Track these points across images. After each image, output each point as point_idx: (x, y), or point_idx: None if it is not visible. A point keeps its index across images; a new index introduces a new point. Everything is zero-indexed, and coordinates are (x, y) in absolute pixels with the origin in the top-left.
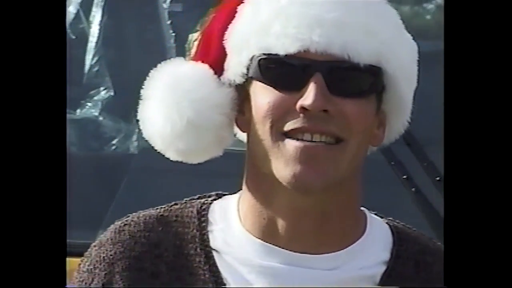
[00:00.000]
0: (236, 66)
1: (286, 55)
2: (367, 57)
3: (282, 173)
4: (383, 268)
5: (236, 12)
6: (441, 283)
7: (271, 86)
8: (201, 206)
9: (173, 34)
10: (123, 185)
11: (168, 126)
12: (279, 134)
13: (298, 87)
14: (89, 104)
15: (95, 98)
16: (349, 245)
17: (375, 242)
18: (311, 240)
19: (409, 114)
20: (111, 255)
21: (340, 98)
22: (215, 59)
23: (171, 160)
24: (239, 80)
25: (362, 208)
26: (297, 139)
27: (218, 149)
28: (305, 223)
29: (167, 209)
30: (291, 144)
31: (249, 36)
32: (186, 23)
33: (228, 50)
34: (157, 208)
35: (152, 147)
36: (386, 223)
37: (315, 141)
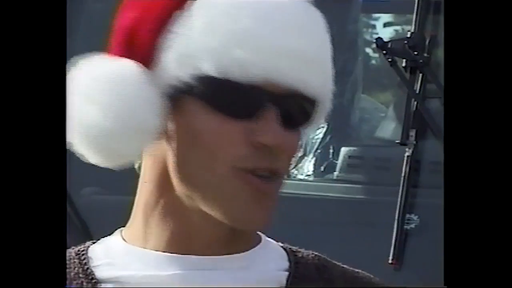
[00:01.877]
0: (177, 78)
1: (245, 83)
2: (317, 89)
3: (228, 210)
4: (286, 273)
5: (170, 14)
6: (345, 282)
7: (219, 110)
8: (78, 249)
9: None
10: None
11: (97, 127)
12: (229, 168)
13: (250, 118)
14: None
15: None
16: (248, 250)
17: (273, 251)
18: (226, 245)
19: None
20: None
21: (287, 132)
22: (143, 57)
23: None
24: (176, 93)
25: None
26: (252, 175)
27: (137, 155)
28: (220, 232)
29: None
30: (244, 181)
31: (202, 53)
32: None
33: (167, 56)
34: None
35: None
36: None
37: (267, 178)
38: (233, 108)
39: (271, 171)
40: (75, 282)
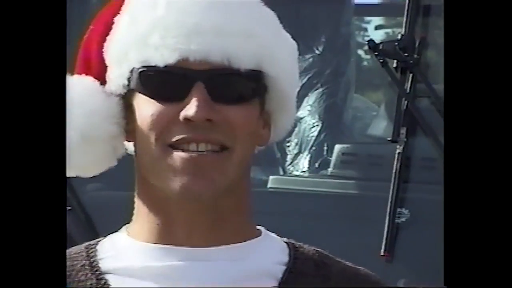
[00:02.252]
0: (117, 78)
1: (165, 66)
2: (247, 62)
3: (171, 185)
4: (283, 268)
5: (113, 23)
6: (342, 280)
7: (153, 98)
8: (89, 244)
9: None
10: None
11: (69, 141)
12: (165, 146)
13: (180, 98)
14: None
15: None
16: (244, 241)
17: (272, 245)
18: (208, 235)
19: (295, 111)
20: None
21: (223, 106)
22: (97, 71)
23: None
24: (122, 91)
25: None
26: (183, 150)
27: (113, 159)
28: (200, 222)
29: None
30: (177, 156)
31: (128, 48)
32: None
33: (108, 63)
34: None
35: None
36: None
37: (201, 151)
38: (164, 93)
39: (208, 142)
40: (80, 273)
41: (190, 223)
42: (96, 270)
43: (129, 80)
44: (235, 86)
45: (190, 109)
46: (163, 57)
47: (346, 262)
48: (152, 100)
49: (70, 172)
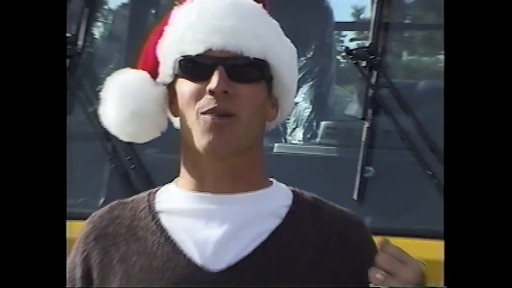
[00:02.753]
0: (165, 69)
1: (196, 55)
2: (255, 53)
3: (200, 143)
4: (286, 209)
5: (164, 31)
6: (332, 222)
7: (188, 79)
8: (150, 191)
9: None
10: None
11: (118, 117)
12: (198, 114)
13: (207, 77)
14: None
15: None
16: (258, 190)
17: (280, 192)
18: (230, 186)
19: (294, 99)
20: (85, 233)
21: (237, 83)
22: (151, 67)
23: None
24: (169, 79)
25: (270, 178)
26: (209, 116)
27: (157, 132)
28: (223, 176)
29: (126, 199)
30: (204, 120)
31: (172, 45)
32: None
33: (160, 59)
34: None
35: None
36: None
37: (219, 118)
38: (196, 75)
39: (224, 111)
40: (142, 212)
41: (216, 177)
42: (153, 210)
43: (173, 69)
44: (246, 69)
45: (213, 83)
46: (194, 48)
47: (336, 205)
48: (188, 81)
49: (123, 138)
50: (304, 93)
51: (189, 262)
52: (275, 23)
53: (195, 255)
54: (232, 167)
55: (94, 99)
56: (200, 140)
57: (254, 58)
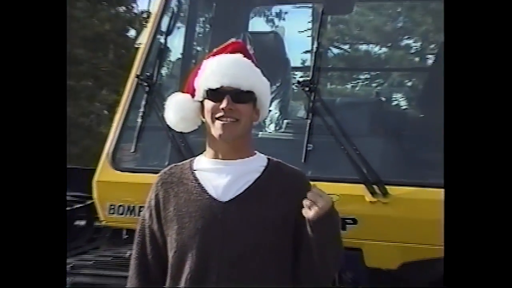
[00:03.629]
0: (199, 94)
1: (215, 88)
2: (246, 88)
3: (216, 133)
4: (263, 168)
5: (198, 72)
6: (289, 176)
7: (211, 100)
8: (192, 158)
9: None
10: None
11: (174, 119)
12: (214, 119)
13: (220, 100)
14: None
15: None
16: (247, 158)
17: (260, 159)
18: (232, 155)
19: (268, 108)
20: (156, 181)
21: (237, 104)
22: (192, 91)
23: None
24: (201, 99)
25: (255, 151)
26: (221, 121)
27: (195, 126)
28: (229, 150)
29: (178, 163)
30: (218, 123)
31: (202, 81)
32: None
33: (196, 88)
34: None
35: None
36: (265, 157)
37: (227, 121)
38: (214, 99)
39: (231, 118)
40: (186, 171)
41: (224, 151)
42: (192, 168)
43: (203, 94)
44: (241, 96)
45: (224, 104)
46: (214, 84)
47: (292, 166)
48: (210, 101)
49: (178, 130)
50: (275, 104)
51: (209, 196)
52: (258, 70)
53: (213, 193)
54: (233, 146)
55: (162, 109)
56: (216, 132)
57: (246, 91)
